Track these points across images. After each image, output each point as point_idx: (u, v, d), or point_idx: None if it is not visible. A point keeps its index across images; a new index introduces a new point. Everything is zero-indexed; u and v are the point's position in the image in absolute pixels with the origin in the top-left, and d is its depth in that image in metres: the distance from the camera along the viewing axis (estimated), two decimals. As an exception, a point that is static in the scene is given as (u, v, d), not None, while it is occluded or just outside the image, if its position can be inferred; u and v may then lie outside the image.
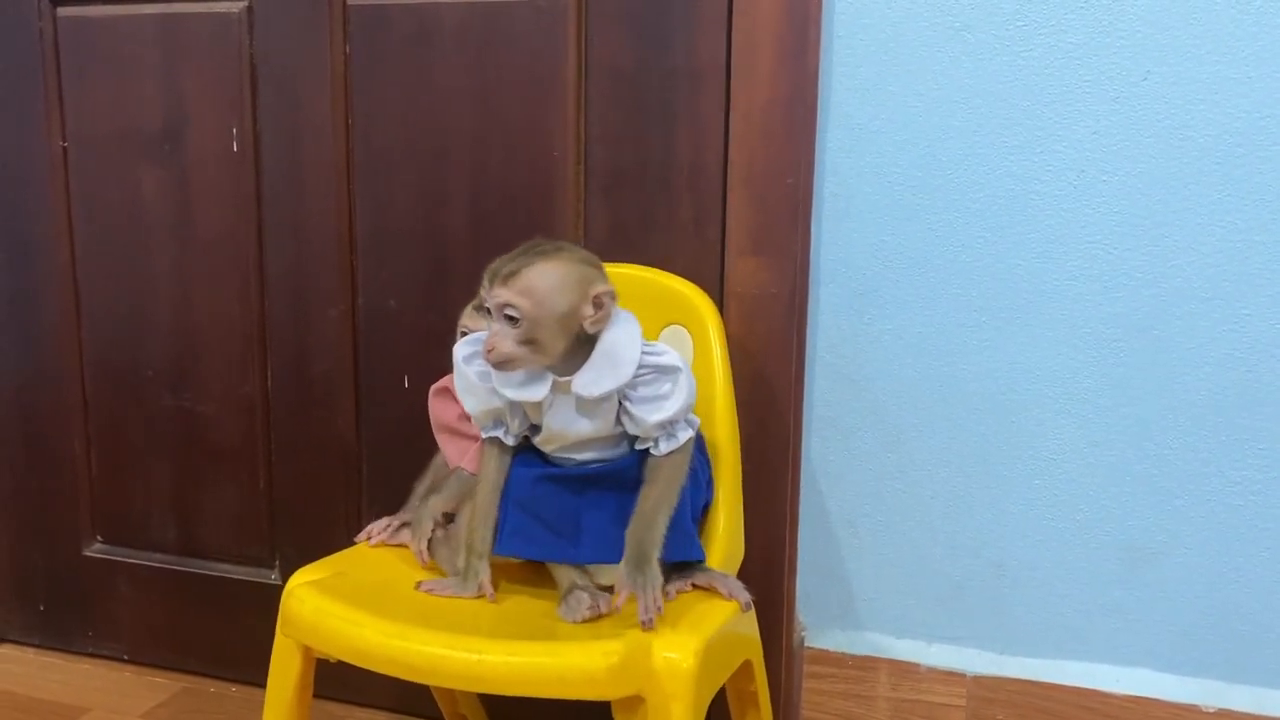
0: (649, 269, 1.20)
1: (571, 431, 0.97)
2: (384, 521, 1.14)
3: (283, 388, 1.43)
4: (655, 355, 0.95)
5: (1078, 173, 1.14)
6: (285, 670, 1.02)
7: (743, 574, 1.10)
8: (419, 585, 1.02)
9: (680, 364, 0.95)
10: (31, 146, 1.49)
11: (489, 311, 0.93)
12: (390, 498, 1.39)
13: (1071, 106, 1.13)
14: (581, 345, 0.94)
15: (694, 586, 1.01)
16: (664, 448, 0.96)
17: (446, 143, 1.31)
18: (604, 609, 0.96)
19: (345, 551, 1.12)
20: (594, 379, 0.93)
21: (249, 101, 1.38)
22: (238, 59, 1.37)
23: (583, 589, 0.98)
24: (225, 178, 1.41)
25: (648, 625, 0.91)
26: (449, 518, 1.13)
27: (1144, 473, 1.17)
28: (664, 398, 0.94)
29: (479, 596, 0.99)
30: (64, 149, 1.48)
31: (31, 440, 1.57)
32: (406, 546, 1.12)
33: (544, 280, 0.91)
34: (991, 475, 1.21)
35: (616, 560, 0.95)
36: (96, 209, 1.48)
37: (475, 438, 1.05)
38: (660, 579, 0.93)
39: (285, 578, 1.46)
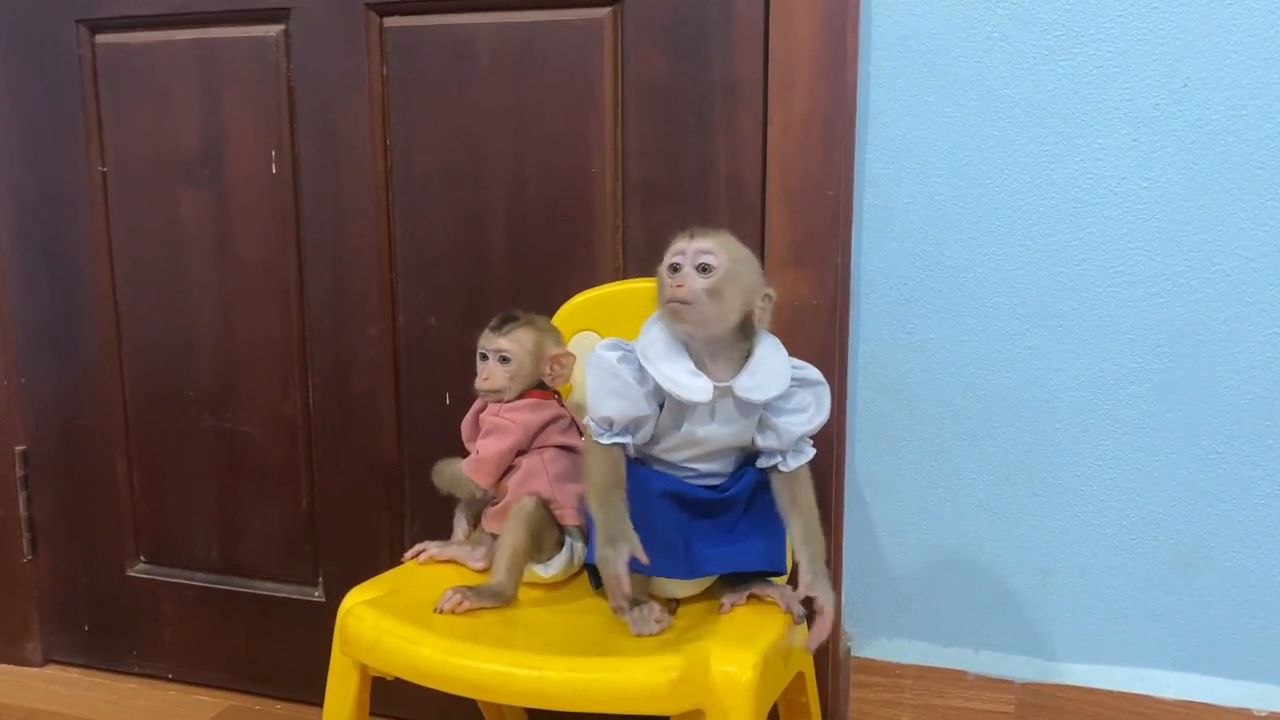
0: (690, 283, 1.21)
1: (711, 439, 0.98)
2: (435, 544, 1.15)
3: (324, 407, 1.45)
4: (799, 369, 0.99)
5: (1118, 180, 1.14)
6: (343, 689, 1.02)
7: (790, 585, 1.11)
8: (439, 608, 1.00)
9: (823, 379, 1.00)
10: (71, 172, 1.50)
11: (673, 269, 0.95)
12: (432, 515, 1.41)
13: (1111, 115, 1.13)
14: (737, 348, 0.97)
15: (750, 598, 1.02)
16: (792, 463, 0.99)
17: (484, 161, 1.32)
18: (667, 623, 0.98)
19: (396, 570, 1.13)
20: (757, 384, 0.96)
21: (287, 124, 1.39)
22: (275, 82, 1.39)
23: (645, 603, 0.98)
24: (265, 200, 1.42)
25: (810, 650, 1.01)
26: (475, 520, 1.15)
27: (1190, 477, 1.17)
28: (805, 409, 0.98)
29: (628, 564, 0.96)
30: (103, 174, 1.50)
31: (74, 462, 1.59)
32: (456, 562, 1.13)
33: (737, 246, 0.97)
34: (1037, 482, 1.22)
35: (719, 572, 1.02)
36: (136, 233, 1.49)
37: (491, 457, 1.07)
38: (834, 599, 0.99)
39: (328, 595, 1.48)
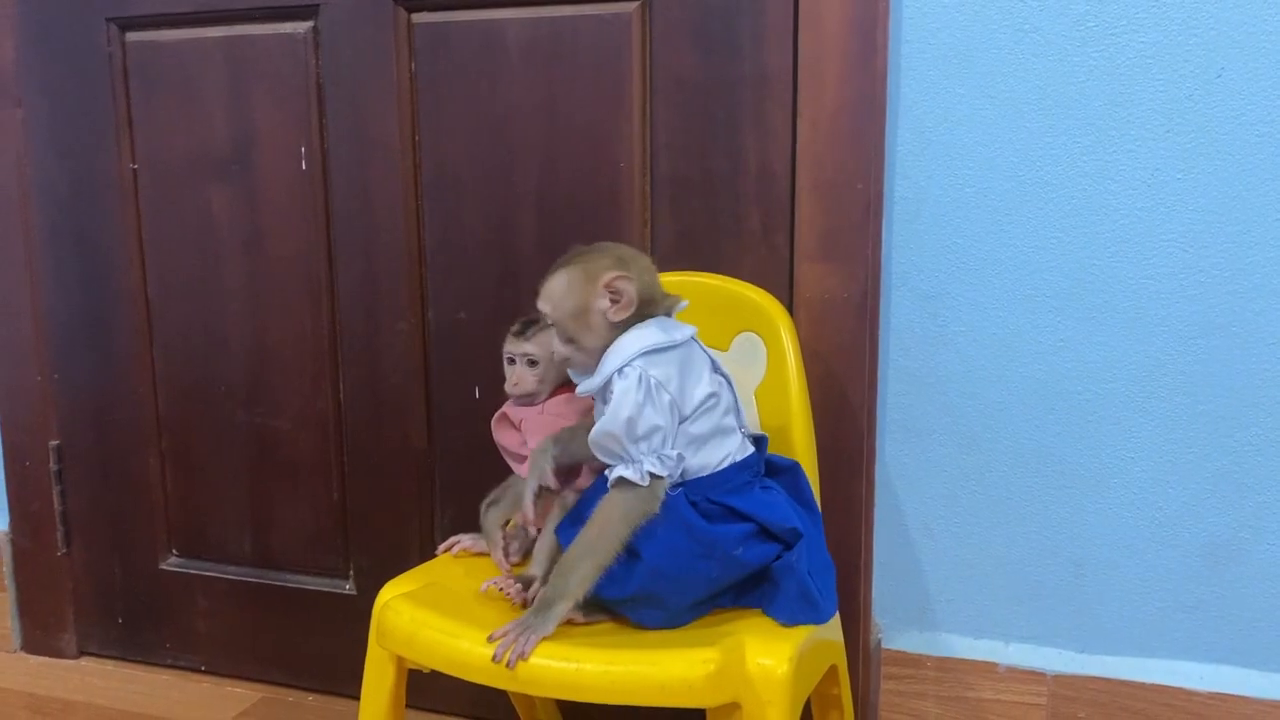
0: (719, 277, 1.21)
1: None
2: (468, 536, 1.16)
3: (355, 401, 1.45)
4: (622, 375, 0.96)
5: (1151, 171, 1.14)
6: (379, 682, 1.04)
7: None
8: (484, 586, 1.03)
9: (627, 385, 0.95)
10: (102, 169, 1.51)
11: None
12: (462, 508, 1.42)
13: (1144, 106, 1.13)
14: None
15: None
16: (610, 474, 0.95)
17: (513, 155, 1.33)
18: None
19: (430, 563, 1.14)
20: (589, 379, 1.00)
21: (316, 120, 1.40)
22: (304, 79, 1.40)
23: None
24: (294, 196, 1.43)
25: (498, 660, 0.90)
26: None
27: (1224, 469, 1.17)
28: (607, 413, 0.95)
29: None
30: (134, 171, 1.51)
31: (107, 458, 1.60)
32: (489, 556, 1.13)
33: (556, 285, 1.00)
34: (1069, 474, 1.21)
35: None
36: (167, 229, 1.51)
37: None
38: (545, 630, 0.91)
39: (359, 588, 1.50)
